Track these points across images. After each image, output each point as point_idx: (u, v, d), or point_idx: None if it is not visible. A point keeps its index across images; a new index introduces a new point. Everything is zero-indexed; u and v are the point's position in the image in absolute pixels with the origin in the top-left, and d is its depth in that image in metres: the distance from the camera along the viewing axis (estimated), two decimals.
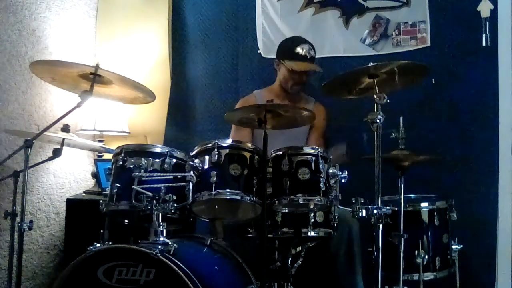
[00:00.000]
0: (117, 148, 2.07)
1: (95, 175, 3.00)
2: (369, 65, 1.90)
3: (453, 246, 2.25)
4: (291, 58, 2.58)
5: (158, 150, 2.03)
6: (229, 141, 2.05)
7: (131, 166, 1.94)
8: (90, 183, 3.19)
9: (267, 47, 3.10)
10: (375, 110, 1.87)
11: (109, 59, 3.24)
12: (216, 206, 2.10)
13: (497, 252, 2.66)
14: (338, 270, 2.39)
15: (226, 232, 2.16)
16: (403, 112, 2.20)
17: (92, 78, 1.93)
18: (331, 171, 2.01)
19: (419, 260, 2.12)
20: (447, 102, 2.81)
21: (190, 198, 1.91)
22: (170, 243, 1.78)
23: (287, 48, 2.65)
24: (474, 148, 2.75)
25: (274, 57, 2.82)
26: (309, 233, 2.00)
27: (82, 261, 1.77)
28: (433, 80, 2.77)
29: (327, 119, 2.77)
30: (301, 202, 1.97)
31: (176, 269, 1.67)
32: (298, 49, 2.57)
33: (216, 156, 1.94)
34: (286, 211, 2.03)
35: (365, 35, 2.96)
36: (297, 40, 2.66)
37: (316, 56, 2.65)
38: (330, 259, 2.39)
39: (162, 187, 1.89)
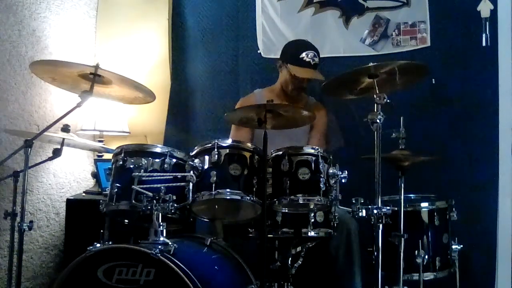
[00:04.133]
0: (117, 148, 2.06)
1: (95, 175, 3.00)
2: (369, 64, 1.90)
3: (453, 246, 2.25)
4: (295, 63, 2.55)
5: (158, 150, 2.03)
6: (229, 141, 2.05)
7: (131, 166, 1.94)
8: (90, 183, 3.19)
9: (267, 47, 3.10)
10: (375, 110, 1.87)
11: (109, 59, 3.23)
12: (216, 206, 2.11)
13: (497, 252, 2.66)
14: (337, 271, 2.39)
15: (226, 232, 2.16)
16: (403, 112, 2.20)
17: (92, 78, 1.93)
18: (331, 171, 2.01)
19: (419, 260, 2.11)
20: (447, 102, 2.81)
21: (190, 198, 1.91)
22: (170, 243, 1.78)
23: (292, 52, 2.61)
24: (474, 148, 2.75)
25: (274, 57, 2.80)
26: (309, 233, 2.01)
27: (82, 261, 1.77)
28: (433, 80, 2.76)
29: (328, 119, 2.77)
30: (301, 202, 1.97)
31: (176, 269, 1.67)
32: (303, 55, 2.52)
33: (216, 156, 1.94)
34: (286, 211, 2.03)
35: (365, 35, 2.96)
36: (303, 45, 2.61)
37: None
38: (330, 260, 2.38)
39: (162, 187, 1.88)
